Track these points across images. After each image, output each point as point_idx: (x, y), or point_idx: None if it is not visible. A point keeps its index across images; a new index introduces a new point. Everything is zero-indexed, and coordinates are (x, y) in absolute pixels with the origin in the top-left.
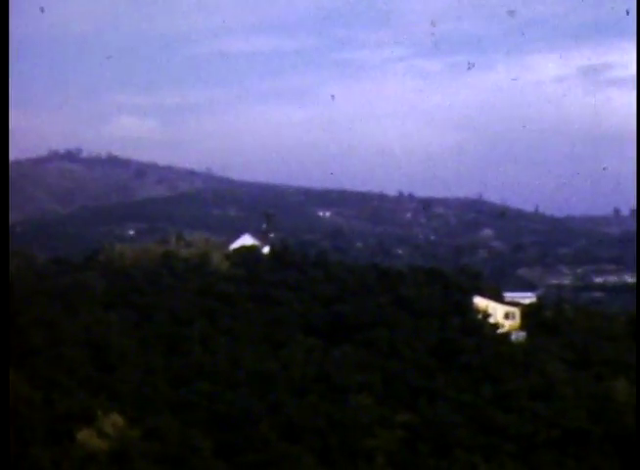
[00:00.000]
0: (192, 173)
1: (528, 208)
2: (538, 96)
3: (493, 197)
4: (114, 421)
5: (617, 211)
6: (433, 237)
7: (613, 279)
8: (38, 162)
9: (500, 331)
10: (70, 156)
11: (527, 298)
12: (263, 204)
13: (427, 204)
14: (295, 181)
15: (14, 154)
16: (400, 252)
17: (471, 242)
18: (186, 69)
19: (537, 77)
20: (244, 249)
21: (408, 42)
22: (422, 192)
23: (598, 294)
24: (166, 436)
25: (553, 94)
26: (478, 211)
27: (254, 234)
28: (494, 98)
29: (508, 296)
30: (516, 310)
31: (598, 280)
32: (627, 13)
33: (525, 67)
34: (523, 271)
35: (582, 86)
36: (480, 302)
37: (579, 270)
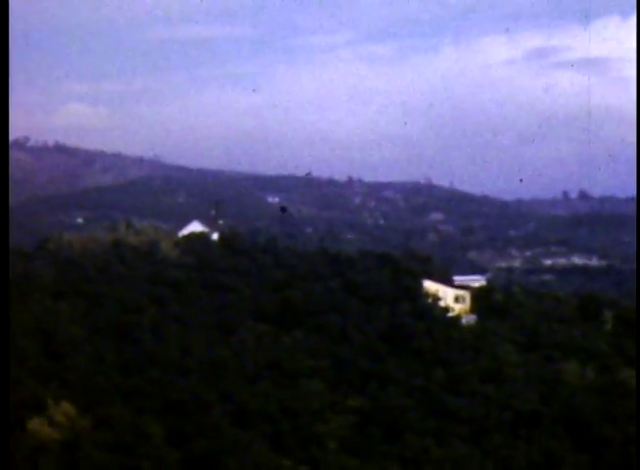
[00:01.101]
0: (140, 161)
1: (478, 191)
2: (487, 79)
3: (442, 181)
4: (64, 410)
5: (565, 194)
6: (382, 222)
7: (562, 261)
8: None
9: (450, 315)
10: (18, 145)
11: (477, 281)
12: (212, 190)
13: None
14: (244, 168)
15: None
16: (350, 237)
17: (420, 226)
18: (134, 56)
19: (486, 60)
20: (193, 236)
21: (356, 27)
22: (371, 177)
23: (547, 276)
24: (118, 424)
25: (502, 77)
26: (427, 196)
27: (203, 221)
28: (443, 81)
29: (458, 279)
30: (466, 294)
31: (547, 262)
32: None
33: (474, 50)
34: (472, 255)
35: (531, 69)
36: (430, 286)
37: (529, 253)
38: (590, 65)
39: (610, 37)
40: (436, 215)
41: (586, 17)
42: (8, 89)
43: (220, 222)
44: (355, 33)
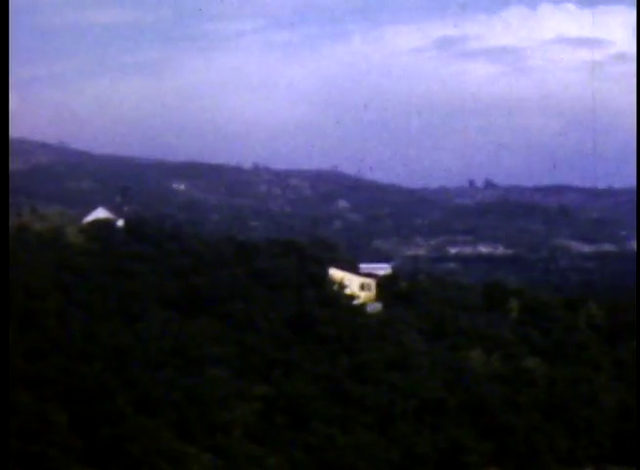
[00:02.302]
0: (45, 146)
1: (384, 179)
2: (395, 68)
3: (349, 169)
4: None
5: (471, 183)
6: (288, 209)
7: (468, 250)
8: None
9: (356, 302)
10: None
11: (383, 269)
12: (118, 177)
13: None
14: (150, 154)
15: None
16: (256, 224)
17: (326, 214)
18: (39, 40)
19: (394, 49)
20: (98, 222)
21: (264, 14)
22: (277, 164)
23: (453, 264)
24: (21, 411)
25: (410, 65)
26: (333, 183)
27: (109, 207)
28: (351, 69)
29: (364, 267)
30: (371, 282)
31: (453, 251)
32: None
33: (383, 38)
34: (378, 243)
35: (440, 58)
36: (335, 273)
37: (435, 241)
38: (498, 54)
39: (518, 27)
40: (343, 203)
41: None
42: (8, 89)
43: (126, 209)
44: (263, 20)
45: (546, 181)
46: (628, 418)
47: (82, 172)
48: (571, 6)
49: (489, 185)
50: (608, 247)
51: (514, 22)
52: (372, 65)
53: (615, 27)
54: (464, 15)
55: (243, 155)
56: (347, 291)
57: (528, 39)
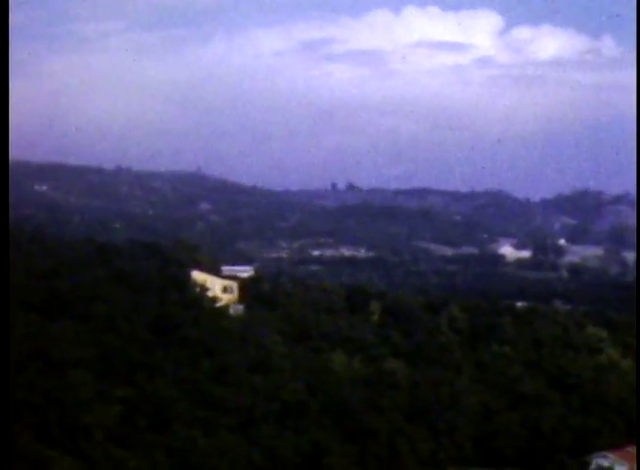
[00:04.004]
0: None
1: (247, 181)
2: (259, 70)
3: (212, 171)
4: None
5: (333, 185)
6: (150, 211)
7: (329, 252)
8: None
9: (218, 305)
10: None
11: (246, 271)
12: None
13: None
14: (11, 154)
15: None
16: (118, 226)
17: (189, 216)
18: None
19: (257, 51)
20: None
21: (127, 16)
22: (140, 166)
23: (316, 267)
24: None
25: (274, 68)
26: (196, 186)
27: None
28: (214, 72)
29: (226, 269)
30: (234, 284)
31: (315, 253)
32: None
33: (245, 40)
34: (241, 245)
35: (303, 61)
36: (198, 276)
37: (297, 244)
38: (363, 57)
39: (382, 30)
40: (205, 206)
41: (357, 10)
42: (8, 89)
43: None
44: (126, 22)
45: (408, 184)
46: (489, 420)
47: None
48: (435, 9)
49: (351, 188)
50: (469, 250)
51: (378, 25)
52: (236, 67)
53: (478, 32)
54: (328, 17)
55: (105, 156)
56: (210, 293)
57: (393, 42)
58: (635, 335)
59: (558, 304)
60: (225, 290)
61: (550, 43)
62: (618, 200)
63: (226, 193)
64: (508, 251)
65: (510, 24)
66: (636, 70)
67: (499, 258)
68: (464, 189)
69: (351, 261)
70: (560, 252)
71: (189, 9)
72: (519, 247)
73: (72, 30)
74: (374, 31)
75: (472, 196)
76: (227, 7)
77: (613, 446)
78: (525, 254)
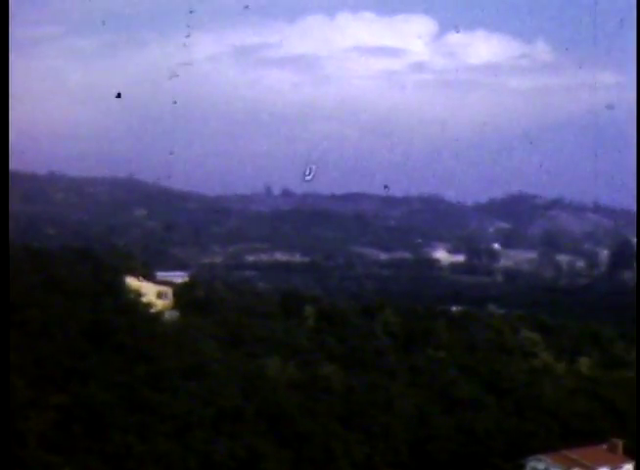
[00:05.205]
0: None
1: (181, 187)
2: (193, 75)
3: (146, 176)
4: None
5: (268, 190)
6: (85, 217)
7: (264, 257)
8: None
9: (153, 311)
10: None
11: (180, 277)
12: None
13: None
14: None
15: None
16: (52, 232)
17: (123, 222)
18: None
19: (191, 56)
20: None
21: (61, 20)
22: (74, 171)
23: (250, 272)
24: None
25: (208, 73)
26: (130, 191)
27: None
28: (148, 77)
29: (161, 275)
30: (168, 290)
31: (250, 259)
32: None
33: (179, 45)
34: (175, 251)
35: (238, 65)
36: (132, 282)
37: (232, 249)
38: (297, 62)
39: (316, 35)
40: (140, 211)
41: (292, 15)
42: (8, 90)
43: None
44: (61, 27)
45: (342, 189)
46: (424, 424)
47: None
48: (369, 15)
49: (286, 193)
50: (403, 254)
51: (312, 30)
52: (170, 72)
53: (412, 37)
54: (263, 23)
55: (38, 162)
56: (144, 299)
57: (327, 48)
58: (567, 337)
59: (492, 308)
60: (160, 296)
61: (484, 48)
62: (552, 204)
63: (160, 198)
64: (442, 255)
65: (444, 29)
66: (636, 69)
67: (433, 263)
68: (398, 194)
69: (286, 266)
70: (494, 256)
71: (123, 14)
72: (453, 251)
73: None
74: (308, 36)
75: (406, 201)
76: (161, 12)
77: (547, 449)
78: (460, 258)
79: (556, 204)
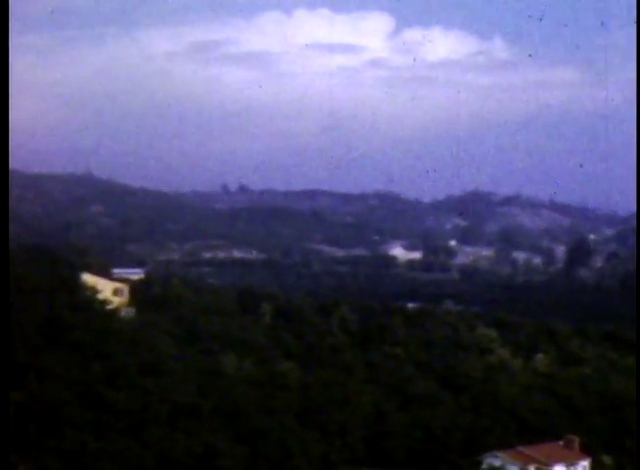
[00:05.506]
0: None
1: (137, 183)
2: (150, 71)
3: (102, 173)
4: None
5: (225, 187)
6: (41, 213)
7: (221, 254)
8: None
9: (109, 308)
10: None
11: (137, 274)
12: None
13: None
14: None
15: None
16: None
17: (79, 218)
18: None
19: (148, 52)
20: None
21: (14, 16)
22: (29, 167)
23: (207, 269)
24: None
25: (165, 69)
26: (86, 187)
27: None
28: (105, 73)
29: (117, 272)
30: (124, 287)
31: (207, 255)
32: None
33: (137, 41)
34: (132, 247)
35: (195, 62)
36: (88, 278)
37: (188, 246)
38: (254, 58)
39: (273, 32)
40: (96, 208)
41: (249, 11)
42: (8, 90)
43: None
44: (16, 23)
45: (299, 186)
46: (381, 421)
47: None
48: (326, 11)
49: (242, 189)
50: (360, 251)
51: (270, 27)
52: (127, 69)
53: (370, 33)
54: (220, 19)
55: None
56: (100, 296)
57: (284, 44)
58: (523, 334)
59: (449, 304)
60: (116, 293)
61: (441, 45)
62: (508, 201)
63: (117, 195)
64: (399, 252)
65: (401, 26)
66: (636, 69)
67: (390, 260)
68: (355, 190)
69: (242, 263)
70: (450, 253)
71: (78, 11)
72: (410, 248)
73: None
74: (266, 33)
75: (362, 197)
76: (118, 7)
77: (503, 445)
78: (416, 255)
79: (512, 201)
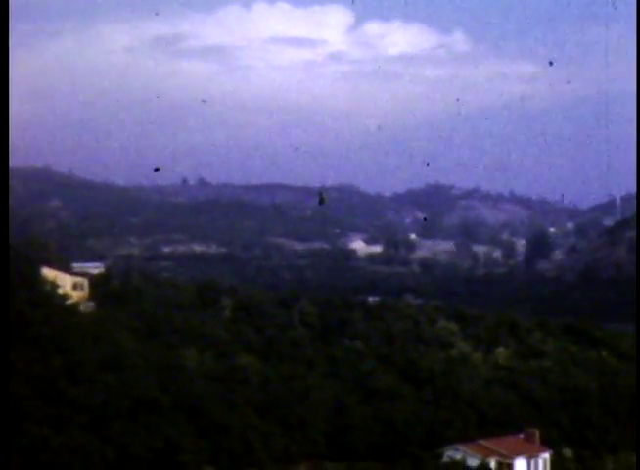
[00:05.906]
0: None
1: (97, 178)
2: (108, 65)
3: (60, 167)
4: None
5: (184, 181)
6: None
7: (181, 248)
8: None
9: (69, 302)
10: None
11: (96, 268)
12: None
13: None
14: None
15: None
16: None
17: (38, 212)
18: None
19: (107, 47)
20: None
21: None
22: None
23: (167, 263)
24: None
25: (123, 64)
26: (45, 181)
27: None
28: (64, 68)
29: (77, 266)
30: (84, 281)
31: (167, 249)
32: None
33: (96, 36)
34: (91, 242)
35: (154, 56)
36: (48, 273)
37: (148, 240)
38: (214, 53)
39: (233, 26)
40: (55, 202)
41: (208, 5)
42: (8, 90)
43: None
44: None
45: (259, 180)
46: (342, 415)
47: None
48: (285, 5)
49: (202, 183)
50: (320, 244)
51: (229, 21)
52: (85, 63)
53: (329, 27)
54: (179, 13)
55: None
56: (60, 291)
57: (244, 38)
58: (484, 327)
59: (409, 298)
60: (76, 287)
61: (401, 38)
62: (468, 194)
63: (75, 189)
64: (359, 245)
65: (361, 20)
66: (636, 69)
67: (350, 253)
68: (314, 184)
69: (202, 257)
70: (411, 246)
71: (36, 4)
72: (370, 242)
73: None
74: (225, 27)
75: (322, 191)
76: (76, 2)
77: (464, 438)
78: (377, 248)
79: (472, 194)
